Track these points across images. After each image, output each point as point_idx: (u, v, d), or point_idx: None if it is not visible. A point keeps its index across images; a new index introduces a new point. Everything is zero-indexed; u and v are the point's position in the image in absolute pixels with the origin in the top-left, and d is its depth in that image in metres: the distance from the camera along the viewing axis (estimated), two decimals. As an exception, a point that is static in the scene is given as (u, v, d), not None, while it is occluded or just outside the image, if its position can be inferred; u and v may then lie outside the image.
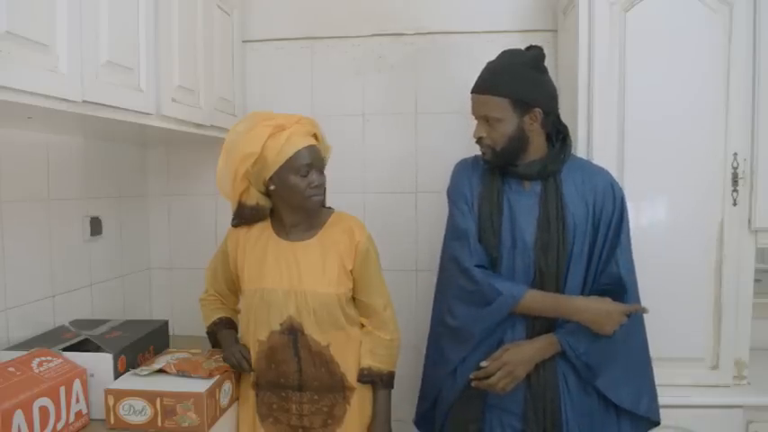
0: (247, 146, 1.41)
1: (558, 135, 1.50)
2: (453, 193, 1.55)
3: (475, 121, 1.49)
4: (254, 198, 1.51)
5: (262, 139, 1.40)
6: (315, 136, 1.49)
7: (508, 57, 1.45)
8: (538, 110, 1.42)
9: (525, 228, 1.44)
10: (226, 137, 1.48)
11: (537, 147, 1.46)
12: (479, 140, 1.47)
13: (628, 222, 1.46)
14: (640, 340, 1.47)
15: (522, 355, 1.40)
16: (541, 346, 1.41)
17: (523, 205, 1.46)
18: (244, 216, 1.54)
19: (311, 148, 1.44)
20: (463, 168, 1.58)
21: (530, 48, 1.48)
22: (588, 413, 1.43)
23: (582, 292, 1.43)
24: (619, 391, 1.43)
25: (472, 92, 1.47)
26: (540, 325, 1.43)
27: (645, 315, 1.44)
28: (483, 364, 1.42)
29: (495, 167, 1.49)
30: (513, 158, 1.46)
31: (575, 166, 1.49)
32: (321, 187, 1.47)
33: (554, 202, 1.43)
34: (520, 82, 1.41)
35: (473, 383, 1.43)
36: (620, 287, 1.41)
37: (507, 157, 1.45)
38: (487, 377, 1.41)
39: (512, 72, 1.41)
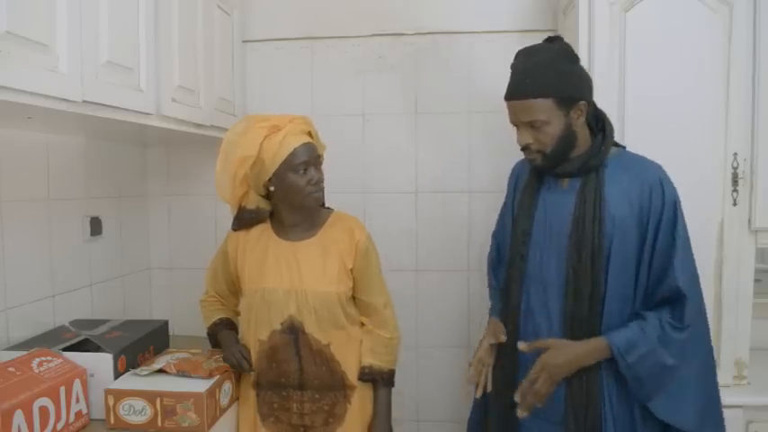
0: (244, 149, 1.42)
1: (598, 123, 1.40)
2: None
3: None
4: (255, 202, 1.52)
5: (258, 140, 1.41)
6: (309, 134, 1.49)
7: (538, 54, 1.33)
8: (583, 102, 1.33)
9: (560, 225, 1.37)
10: (222, 141, 1.48)
11: (583, 140, 1.37)
12: (526, 147, 1.36)
13: (684, 224, 1.32)
14: (703, 358, 1.34)
15: (563, 357, 1.28)
16: (589, 350, 1.29)
17: (559, 203, 1.39)
18: (244, 220, 1.54)
19: (307, 146, 1.45)
20: (512, 174, 1.58)
21: (549, 39, 1.38)
22: (630, 423, 1.33)
23: (634, 300, 1.33)
24: (679, 413, 1.29)
25: (509, 99, 1.35)
26: (579, 326, 1.33)
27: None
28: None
29: (545, 169, 1.40)
30: (564, 158, 1.36)
31: (624, 162, 1.38)
32: (320, 183, 1.47)
33: (592, 199, 1.33)
34: (559, 77, 1.30)
35: (519, 413, 1.29)
36: (679, 297, 1.29)
37: (558, 158, 1.35)
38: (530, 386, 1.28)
39: (548, 69, 1.30)
